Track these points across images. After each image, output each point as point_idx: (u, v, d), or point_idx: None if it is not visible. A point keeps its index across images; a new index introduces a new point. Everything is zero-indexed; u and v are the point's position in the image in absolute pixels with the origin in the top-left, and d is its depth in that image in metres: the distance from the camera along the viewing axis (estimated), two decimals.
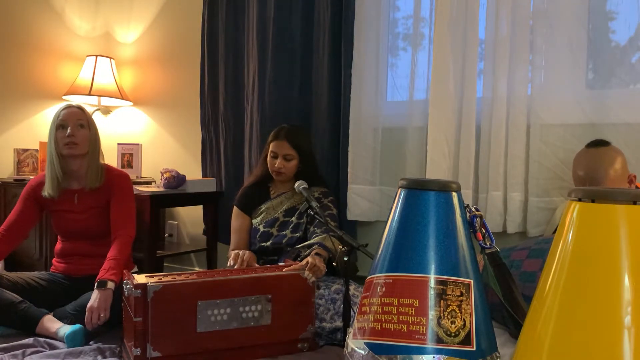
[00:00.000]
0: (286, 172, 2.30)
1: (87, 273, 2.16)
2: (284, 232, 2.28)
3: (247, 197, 2.40)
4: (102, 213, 2.21)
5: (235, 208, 2.41)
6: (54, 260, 2.28)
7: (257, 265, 2.13)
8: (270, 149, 2.32)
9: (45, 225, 2.86)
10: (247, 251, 2.13)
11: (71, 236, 2.23)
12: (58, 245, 2.27)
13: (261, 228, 2.31)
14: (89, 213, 2.20)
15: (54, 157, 2.16)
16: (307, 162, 2.33)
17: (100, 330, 1.99)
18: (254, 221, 2.36)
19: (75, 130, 2.15)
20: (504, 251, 1.77)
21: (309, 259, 1.90)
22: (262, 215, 2.34)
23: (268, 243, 2.28)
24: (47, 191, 2.16)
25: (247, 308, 1.79)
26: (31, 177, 3.07)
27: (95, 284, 1.99)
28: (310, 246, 2.06)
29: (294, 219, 2.30)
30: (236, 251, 2.11)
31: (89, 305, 1.93)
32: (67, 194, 2.21)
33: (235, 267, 2.02)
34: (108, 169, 2.27)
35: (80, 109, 2.21)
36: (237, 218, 2.39)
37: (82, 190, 2.22)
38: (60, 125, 2.15)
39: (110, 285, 1.98)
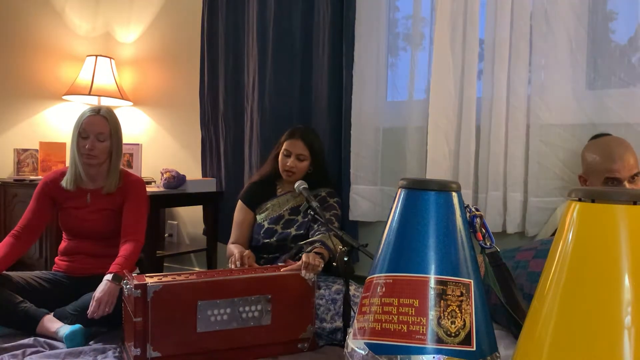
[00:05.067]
0: (297, 172, 2.30)
1: (88, 273, 2.16)
2: (289, 230, 2.29)
3: (252, 193, 2.40)
4: (113, 216, 2.20)
5: (239, 202, 2.41)
6: (56, 259, 2.28)
7: (256, 265, 2.13)
8: (283, 147, 2.32)
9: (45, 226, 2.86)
10: (247, 250, 2.13)
11: (77, 235, 2.23)
12: (63, 244, 2.27)
13: (266, 224, 2.32)
14: (100, 214, 2.20)
15: (76, 158, 2.17)
16: (318, 165, 2.34)
17: (100, 331, 1.99)
18: (258, 217, 2.36)
19: (94, 143, 2.13)
20: (509, 252, 1.77)
21: (303, 257, 1.90)
22: (267, 212, 2.35)
23: (272, 239, 2.28)
24: (65, 182, 2.18)
25: (247, 308, 1.78)
26: (31, 177, 3.08)
27: (111, 276, 1.97)
28: (312, 243, 2.06)
29: (299, 217, 2.30)
30: (236, 253, 2.11)
31: (97, 296, 1.92)
32: (80, 192, 2.21)
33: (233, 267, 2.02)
34: (126, 174, 2.28)
35: (105, 118, 2.17)
36: (240, 212, 2.39)
37: (96, 191, 2.22)
38: (80, 133, 2.14)
39: (122, 283, 1.98)
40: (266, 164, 2.47)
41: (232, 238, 2.38)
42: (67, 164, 2.39)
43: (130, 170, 3.20)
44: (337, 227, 2.09)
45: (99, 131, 2.14)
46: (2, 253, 2.08)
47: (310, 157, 2.31)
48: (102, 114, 2.17)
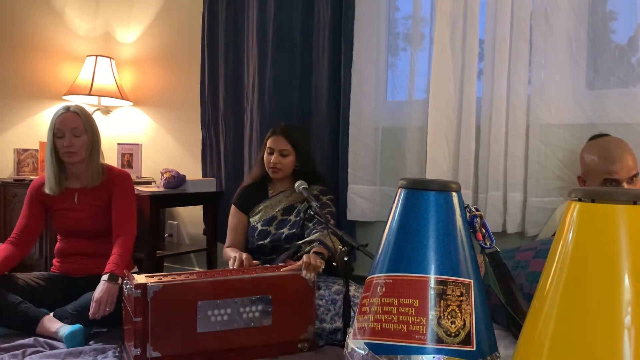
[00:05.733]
0: (282, 168, 2.30)
1: (87, 273, 2.17)
2: (282, 230, 2.28)
3: (244, 196, 2.41)
4: (103, 212, 2.21)
5: (232, 206, 2.42)
6: (54, 261, 2.28)
7: (256, 262, 2.13)
8: (266, 145, 2.33)
9: (45, 226, 2.86)
10: (245, 254, 2.13)
11: (71, 235, 2.23)
12: (58, 245, 2.27)
13: (259, 226, 2.32)
14: (89, 212, 2.20)
15: (53, 159, 2.16)
16: (304, 160, 2.33)
17: (100, 331, 1.99)
18: (251, 220, 2.36)
19: (71, 139, 2.13)
20: (509, 252, 1.76)
21: (304, 257, 1.89)
22: (260, 214, 2.35)
23: (266, 241, 2.28)
24: (47, 189, 2.17)
25: (247, 309, 1.78)
26: (31, 177, 3.08)
27: (107, 276, 1.98)
28: (310, 242, 2.06)
29: (292, 217, 2.30)
30: (235, 256, 2.10)
31: (97, 296, 1.93)
32: (67, 193, 2.21)
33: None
34: (109, 168, 2.28)
35: (76, 113, 2.17)
36: (234, 216, 2.40)
37: (83, 189, 2.22)
38: (56, 133, 2.14)
39: (120, 281, 1.98)
40: (255, 167, 2.47)
41: (227, 242, 2.39)
42: None
43: (129, 170, 3.21)
44: (335, 225, 2.08)
45: (73, 126, 2.14)
46: (1, 257, 2.08)
47: (294, 152, 2.31)
48: (73, 110, 2.17)
